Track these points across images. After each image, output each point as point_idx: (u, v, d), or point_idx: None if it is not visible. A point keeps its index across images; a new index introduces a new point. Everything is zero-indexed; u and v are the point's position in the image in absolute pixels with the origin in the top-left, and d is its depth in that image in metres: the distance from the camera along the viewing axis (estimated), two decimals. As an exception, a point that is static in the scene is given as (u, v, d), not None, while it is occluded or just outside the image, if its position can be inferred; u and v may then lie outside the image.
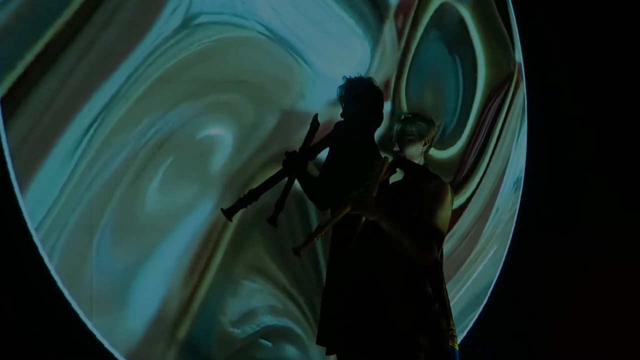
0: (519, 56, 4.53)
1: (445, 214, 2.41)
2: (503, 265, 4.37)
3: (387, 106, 3.65)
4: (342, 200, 2.39)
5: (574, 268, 4.30)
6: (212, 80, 3.15)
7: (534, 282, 4.29)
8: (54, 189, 2.74)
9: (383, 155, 2.54)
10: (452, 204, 2.49)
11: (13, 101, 2.63)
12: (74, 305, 2.74)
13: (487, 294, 4.28)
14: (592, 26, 4.50)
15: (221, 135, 3.20)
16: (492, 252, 4.41)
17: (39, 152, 2.71)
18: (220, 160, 3.17)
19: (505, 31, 4.48)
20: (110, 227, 2.86)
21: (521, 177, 4.56)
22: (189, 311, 3.07)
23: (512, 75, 4.52)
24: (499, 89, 4.47)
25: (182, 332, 3.07)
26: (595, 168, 4.53)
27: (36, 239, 2.67)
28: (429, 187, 2.42)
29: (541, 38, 4.52)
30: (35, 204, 2.69)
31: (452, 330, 2.41)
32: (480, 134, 4.40)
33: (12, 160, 2.62)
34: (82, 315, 2.76)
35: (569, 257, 4.31)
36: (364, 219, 2.39)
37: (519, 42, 4.51)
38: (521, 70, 4.55)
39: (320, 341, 2.67)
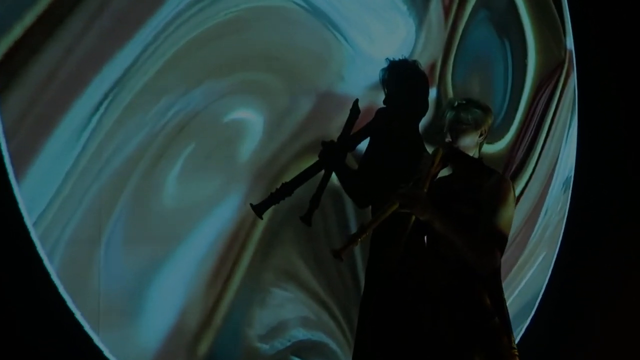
0: (570, 43, 4.22)
1: (508, 213, 2.16)
2: (552, 273, 4.11)
3: (432, 93, 3.35)
4: (389, 197, 2.14)
5: (629, 275, 3.96)
6: (241, 55, 2.84)
7: (585, 291, 4.00)
8: (56, 177, 2.42)
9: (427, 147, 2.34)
10: (515, 203, 2.22)
11: (9, 70, 2.32)
12: (78, 315, 2.43)
13: (535, 303, 3.99)
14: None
15: (250, 120, 2.89)
16: (540, 258, 4.14)
17: (39, 132, 2.39)
18: (248, 148, 2.87)
19: (557, 14, 4.17)
20: (122, 224, 2.54)
21: (571, 177, 4.27)
22: (211, 324, 2.76)
23: (563, 63, 4.23)
24: (549, 78, 4.20)
25: (203, 348, 2.76)
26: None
27: (34, 236, 2.36)
28: (488, 182, 2.19)
29: (594, 23, 4.19)
30: (34, 194, 2.38)
31: (514, 348, 2.16)
32: (530, 128, 4.13)
33: (7, 141, 2.32)
34: (87, 328, 2.45)
35: (622, 262, 3.98)
36: (413, 218, 2.14)
37: (571, 28, 4.19)
38: (572, 59, 4.23)
39: (357, 358, 2.44)
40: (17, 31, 2.31)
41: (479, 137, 2.25)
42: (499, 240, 2.15)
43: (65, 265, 2.41)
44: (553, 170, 4.22)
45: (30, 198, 2.36)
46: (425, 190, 2.14)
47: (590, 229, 4.10)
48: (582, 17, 4.20)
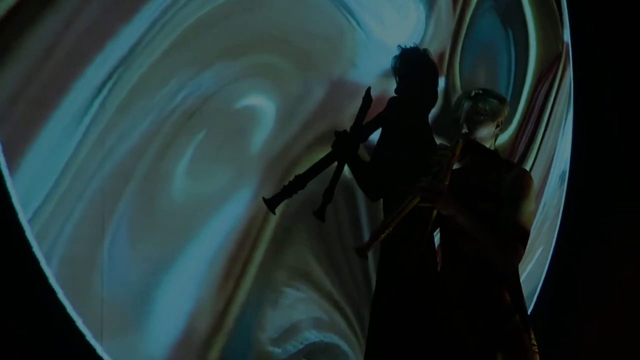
0: (567, 35, 4.02)
1: (529, 208, 2.01)
2: (549, 267, 3.93)
3: (440, 82, 3.10)
4: (409, 191, 1.94)
5: (624, 266, 3.81)
6: (253, 36, 2.53)
7: (582, 283, 3.86)
8: (54, 168, 2.06)
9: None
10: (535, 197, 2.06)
11: (1, 44, 1.94)
12: (80, 323, 2.08)
13: (533, 297, 3.82)
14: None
15: (262, 107, 2.58)
16: (538, 252, 3.94)
17: (35, 117, 2.02)
18: (261, 137, 2.57)
19: (555, 6, 3.97)
20: (127, 220, 2.20)
21: (566, 170, 4.08)
22: (222, 328, 2.45)
23: (560, 56, 4.01)
24: (548, 70, 4.02)
25: (214, 354, 2.44)
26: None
27: (30, 235, 1.99)
28: (508, 175, 2.03)
29: (591, 16, 4.01)
30: (29, 188, 2.01)
31: (534, 345, 2.02)
32: (530, 120, 3.94)
33: (-2, 127, 1.95)
34: (89, 337, 2.10)
35: (617, 254, 3.83)
36: (435, 212, 1.95)
37: (568, 20, 4.00)
38: (569, 51, 4.03)
39: (369, 359, 2.21)
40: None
41: (495, 128, 2.10)
42: (522, 235, 2.00)
43: (64, 267, 2.05)
44: (550, 163, 4.11)
45: (25, 192, 1.99)
46: (447, 183, 1.95)
47: (585, 221, 4.01)
48: (579, 9, 4.05)
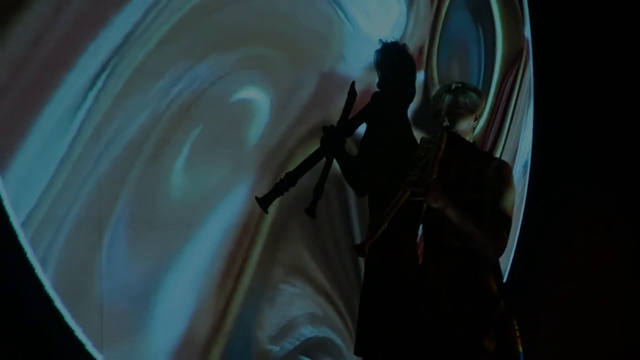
0: (527, 32, 3.97)
1: (512, 197, 1.97)
2: (515, 254, 3.87)
3: (420, 76, 2.97)
4: (399, 185, 1.84)
5: (585, 252, 3.80)
6: (246, 26, 2.33)
7: (546, 271, 3.82)
8: (47, 167, 1.81)
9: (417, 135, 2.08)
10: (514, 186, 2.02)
11: None
12: (79, 332, 1.83)
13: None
14: (601, 5, 3.98)
15: (257, 100, 2.39)
16: None
17: (25, 112, 1.76)
18: (257, 131, 2.37)
19: (517, 3, 3.92)
20: (125, 221, 1.96)
21: (528, 161, 4.05)
22: (222, 328, 2.26)
23: (522, 52, 3.97)
24: (512, 65, 3.94)
25: (215, 356, 2.24)
26: (601, 152, 4.04)
27: (23, 240, 1.73)
28: (489, 167, 1.97)
29: (550, 13, 3.97)
30: (21, 188, 1.75)
31: (517, 330, 1.96)
32: (498, 113, 3.85)
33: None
34: (89, 346, 1.87)
35: (576, 241, 3.83)
36: (425, 206, 1.88)
37: (528, 17, 3.95)
38: (529, 47, 3.99)
39: (358, 351, 2.11)
40: (-5, -17, 1.67)
41: (474, 121, 2.02)
42: (507, 224, 1.94)
43: (61, 273, 1.80)
44: (515, 154, 4.07)
45: (17, 193, 1.74)
46: (435, 176, 1.86)
47: (547, 209, 3.99)
48: (538, 6, 4.01)
